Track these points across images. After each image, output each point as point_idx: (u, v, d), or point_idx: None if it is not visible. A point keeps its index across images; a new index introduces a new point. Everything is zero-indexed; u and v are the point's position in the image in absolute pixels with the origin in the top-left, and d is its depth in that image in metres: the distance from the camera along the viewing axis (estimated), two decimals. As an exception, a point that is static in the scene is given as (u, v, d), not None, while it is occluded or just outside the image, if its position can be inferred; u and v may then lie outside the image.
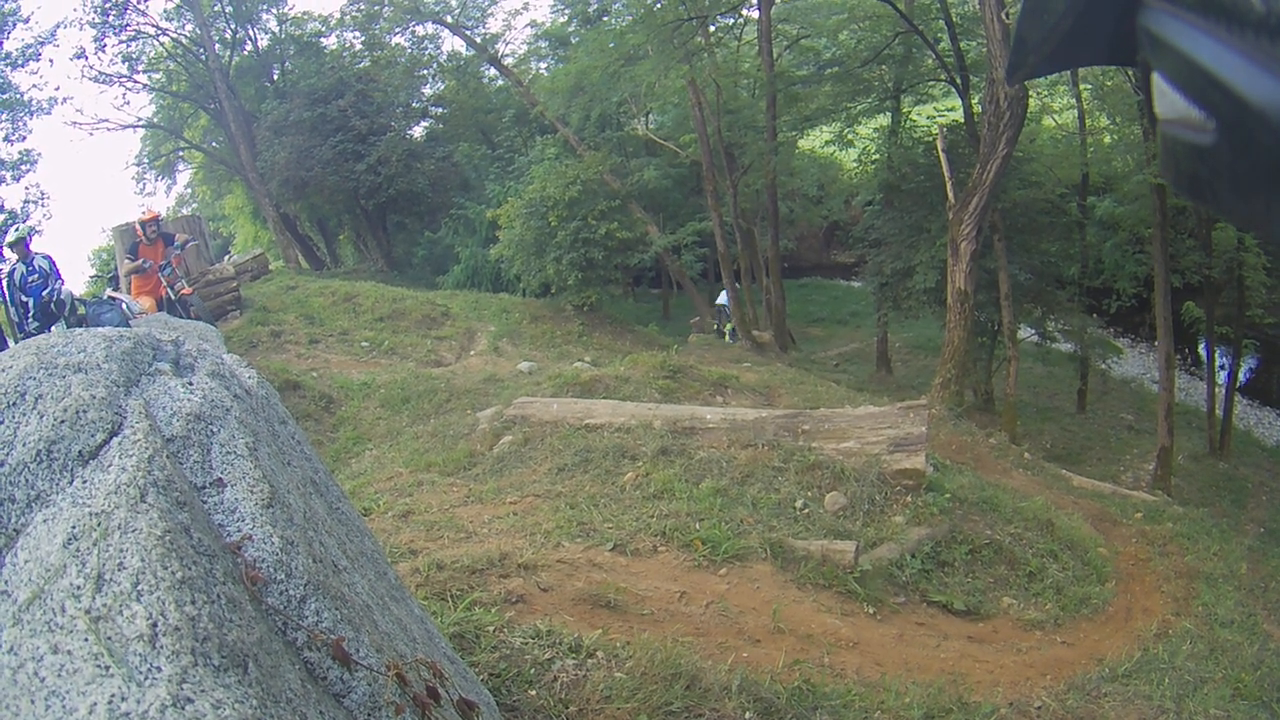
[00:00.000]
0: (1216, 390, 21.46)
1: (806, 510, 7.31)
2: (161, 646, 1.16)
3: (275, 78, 34.47)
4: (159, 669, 1.14)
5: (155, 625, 1.18)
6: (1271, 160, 0.52)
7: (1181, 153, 0.62)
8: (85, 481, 1.46)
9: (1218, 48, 0.55)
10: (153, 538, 1.30)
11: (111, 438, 1.57)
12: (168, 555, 1.28)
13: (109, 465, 1.49)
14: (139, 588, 1.23)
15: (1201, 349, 24.94)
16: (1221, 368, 22.56)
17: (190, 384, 1.87)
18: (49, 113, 29.10)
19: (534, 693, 3.58)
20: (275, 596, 1.51)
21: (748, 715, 3.85)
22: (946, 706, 4.71)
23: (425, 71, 34.36)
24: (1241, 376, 24.23)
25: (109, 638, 1.17)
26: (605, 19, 28.05)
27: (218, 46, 31.65)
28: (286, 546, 1.56)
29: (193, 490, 1.59)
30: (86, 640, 1.18)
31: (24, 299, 11.13)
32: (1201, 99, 0.58)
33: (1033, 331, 21.99)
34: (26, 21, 27.49)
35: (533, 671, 3.70)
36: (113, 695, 1.11)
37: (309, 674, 1.50)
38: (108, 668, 1.14)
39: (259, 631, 1.35)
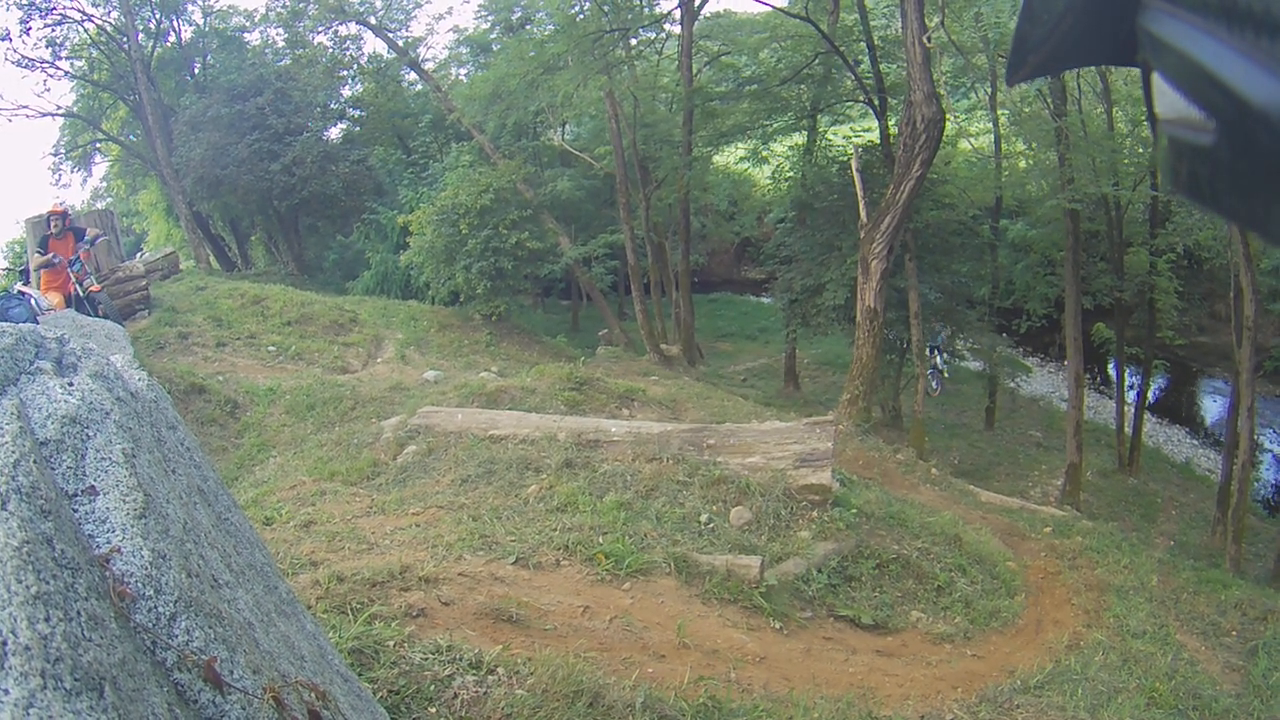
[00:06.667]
0: (1126, 408, 22.17)
1: (711, 525, 7.32)
2: (10, 668, 1.08)
3: (196, 71, 34.09)
4: (6, 692, 1.06)
5: (4, 644, 1.10)
6: (1271, 160, 0.53)
7: (1181, 153, 0.63)
8: (-51, 487, 1.37)
9: (1218, 48, 0.56)
10: (9, 549, 1.21)
11: (-20, 440, 1.47)
12: (23, 568, 1.20)
13: (-27, 470, 1.39)
14: (-9, 603, 1.15)
15: (1111, 368, 25.73)
16: (1131, 387, 23.25)
17: (70, 385, 1.77)
18: (-32, 96, 28.37)
19: (434, 710, 3.51)
20: (143, 614, 1.42)
21: (651, 732, 3.83)
22: (856, 720, 4.75)
23: (345, 72, 33.96)
24: (1151, 395, 25.00)
25: (-41, 657, 1.09)
26: (528, 27, 28.00)
27: (141, 36, 30.88)
28: (157, 560, 1.48)
29: (63, 498, 1.50)
30: (-63, 659, 1.09)
31: None
32: (1201, 99, 0.59)
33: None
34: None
35: (433, 688, 3.63)
36: (-44, 720, 1.04)
37: (179, 697, 1.41)
38: (-45, 690, 1.06)
39: (122, 651, 1.27)
